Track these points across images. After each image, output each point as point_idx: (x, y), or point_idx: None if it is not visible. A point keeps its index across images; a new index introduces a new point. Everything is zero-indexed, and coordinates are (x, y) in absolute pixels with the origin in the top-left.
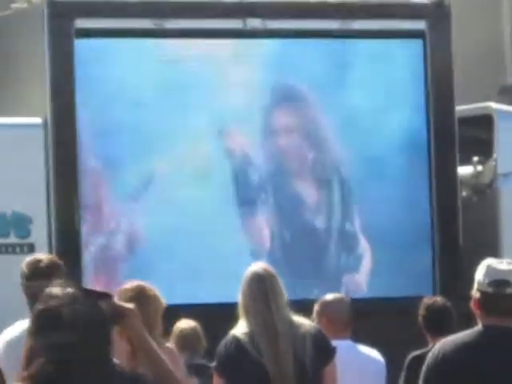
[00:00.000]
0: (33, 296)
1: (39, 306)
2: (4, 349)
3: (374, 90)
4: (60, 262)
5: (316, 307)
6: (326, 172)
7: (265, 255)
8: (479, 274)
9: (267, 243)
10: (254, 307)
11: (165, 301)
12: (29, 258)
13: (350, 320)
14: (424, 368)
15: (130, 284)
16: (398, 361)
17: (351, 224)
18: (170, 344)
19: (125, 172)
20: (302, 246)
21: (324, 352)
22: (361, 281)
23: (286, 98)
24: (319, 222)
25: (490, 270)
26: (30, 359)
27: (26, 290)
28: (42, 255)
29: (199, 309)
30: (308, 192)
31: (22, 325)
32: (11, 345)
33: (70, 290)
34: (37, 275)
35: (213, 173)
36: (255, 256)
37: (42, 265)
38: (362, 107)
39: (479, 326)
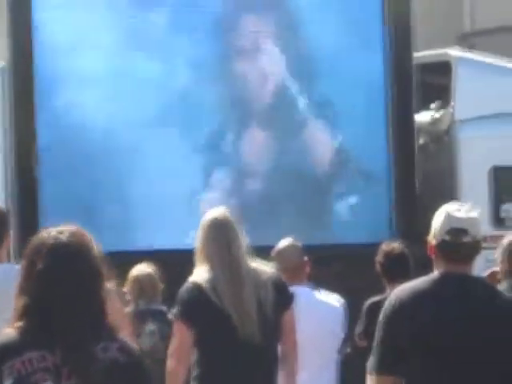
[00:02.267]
0: None
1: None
2: None
3: (332, 30)
4: (4, 210)
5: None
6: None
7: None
8: (438, 221)
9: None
10: (215, 253)
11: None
12: None
13: (304, 266)
14: (381, 315)
15: (69, 227)
16: (357, 307)
17: (310, 169)
18: (125, 289)
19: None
20: (261, 191)
21: (283, 298)
22: (319, 227)
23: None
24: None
25: (448, 217)
26: (26, 311)
27: None
28: None
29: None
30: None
31: None
32: None
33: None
34: None
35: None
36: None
37: None
38: (321, 47)
39: (436, 273)
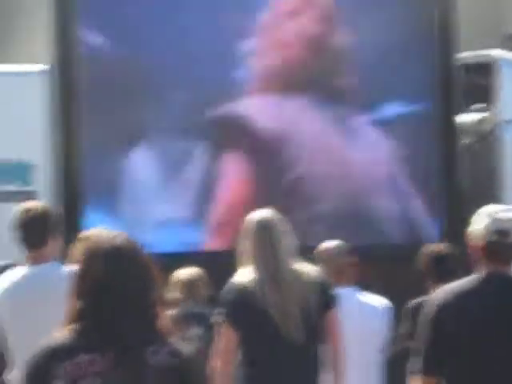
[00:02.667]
0: (26, 243)
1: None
2: (2, 295)
3: (373, 33)
4: (52, 209)
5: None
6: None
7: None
8: (481, 223)
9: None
10: (260, 254)
11: None
12: (21, 206)
13: (351, 267)
14: (425, 316)
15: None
16: (401, 308)
17: (350, 172)
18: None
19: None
20: (302, 191)
21: (327, 299)
22: (363, 227)
23: None
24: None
25: (492, 218)
26: (80, 314)
27: (19, 239)
28: (34, 203)
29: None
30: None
31: (19, 271)
32: (8, 291)
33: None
34: (30, 222)
35: None
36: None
37: (34, 212)
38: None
39: (480, 273)
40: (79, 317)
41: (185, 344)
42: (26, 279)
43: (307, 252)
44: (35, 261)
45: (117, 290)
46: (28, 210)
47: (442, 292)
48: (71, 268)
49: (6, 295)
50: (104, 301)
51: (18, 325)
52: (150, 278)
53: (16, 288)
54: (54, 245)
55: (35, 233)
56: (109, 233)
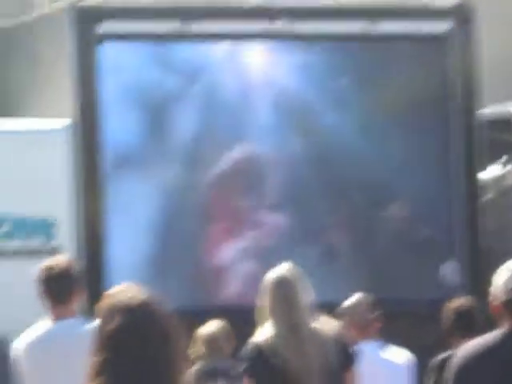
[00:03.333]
0: (51, 299)
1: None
2: (25, 350)
3: (396, 90)
4: (76, 265)
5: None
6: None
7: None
8: (502, 278)
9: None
10: (278, 312)
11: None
12: (46, 262)
13: (374, 321)
14: (448, 373)
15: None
16: (426, 364)
17: (375, 225)
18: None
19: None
20: (326, 247)
21: (346, 358)
22: (386, 282)
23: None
24: (342, 222)
25: None
26: (99, 371)
27: (43, 295)
28: (58, 259)
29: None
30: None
31: (43, 326)
32: (32, 346)
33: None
34: (55, 279)
35: None
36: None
37: (59, 268)
38: (383, 107)
39: (502, 330)
40: (98, 373)
41: None
42: (49, 334)
43: (327, 307)
44: (59, 316)
45: (132, 348)
46: (52, 266)
47: (466, 349)
48: (95, 324)
49: (29, 350)
50: (119, 358)
51: (39, 380)
52: (168, 337)
53: (39, 343)
54: (77, 300)
55: (60, 289)
56: (130, 290)
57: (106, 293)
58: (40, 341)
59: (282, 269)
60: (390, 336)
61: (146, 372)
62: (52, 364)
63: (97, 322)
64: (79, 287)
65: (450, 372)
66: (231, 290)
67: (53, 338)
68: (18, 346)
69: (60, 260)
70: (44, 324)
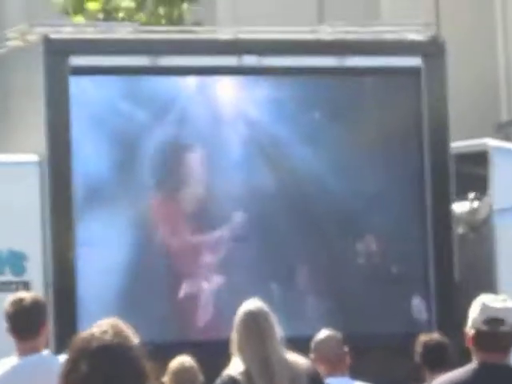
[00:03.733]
0: (16, 334)
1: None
2: None
3: (367, 124)
4: (42, 300)
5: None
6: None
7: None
8: (474, 312)
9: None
10: (249, 345)
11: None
12: (11, 297)
13: (343, 357)
14: None
15: (107, 323)
16: None
17: (346, 260)
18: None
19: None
20: (296, 281)
21: None
22: (356, 317)
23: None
24: (313, 257)
25: (484, 307)
26: None
27: (9, 330)
28: (25, 293)
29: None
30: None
31: (8, 362)
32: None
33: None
34: (20, 314)
35: None
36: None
37: (24, 303)
38: (355, 141)
39: (473, 364)
40: None
41: None
42: (15, 370)
43: (296, 342)
44: (25, 351)
45: None
46: (18, 301)
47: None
48: (61, 359)
49: None
50: None
51: None
52: (141, 376)
53: (6, 379)
54: (44, 335)
55: (25, 324)
56: (102, 328)
57: (78, 334)
58: (5, 377)
59: (254, 303)
60: (361, 370)
61: None
62: None
63: (63, 359)
64: (45, 322)
65: None
66: (202, 324)
67: (18, 375)
68: None
69: (25, 295)
70: (9, 360)
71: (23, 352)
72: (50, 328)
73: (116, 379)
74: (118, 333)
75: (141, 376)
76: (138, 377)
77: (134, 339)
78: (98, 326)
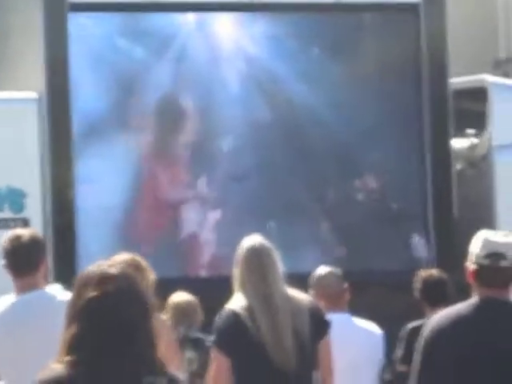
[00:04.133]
0: (15, 271)
1: (94, 293)
2: None
3: (366, 60)
4: (41, 236)
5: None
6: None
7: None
8: (475, 247)
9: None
10: (251, 281)
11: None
12: (9, 234)
13: (342, 293)
14: (420, 341)
15: (124, 256)
16: (394, 334)
17: (345, 197)
18: (165, 316)
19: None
20: (295, 217)
21: (320, 325)
22: (356, 254)
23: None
24: (312, 194)
25: (486, 242)
26: (74, 345)
27: (7, 267)
28: (23, 230)
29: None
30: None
31: (7, 300)
32: None
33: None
34: (18, 250)
35: None
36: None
37: (22, 240)
38: (353, 77)
39: (475, 299)
40: (73, 347)
41: (180, 373)
42: (15, 308)
43: (297, 278)
44: (24, 288)
45: (109, 320)
46: (16, 238)
47: (437, 318)
48: (62, 295)
49: None
50: (96, 332)
51: (8, 354)
52: (145, 307)
53: (5, 317)
54: (43, 272)
55: (24, 260)
56: (110, 262)
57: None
58: (5, 315)
59: (256, 238)
60: (360, 307)
61: (122, 344)
62: (17, 338)
63: (65, 293)
64: (44, 259)
65: (422, 341)
66: (202, 260)
67: (18, 312)
68: None
69: (24, 232)
70: (9, 297)
71: (21, 289)
72: (48, 265)
73: (120, 306)
74: (123, 266)
75: (145, 308)
76: (142, 307)
77: (148, 274)
78: (110, 260)
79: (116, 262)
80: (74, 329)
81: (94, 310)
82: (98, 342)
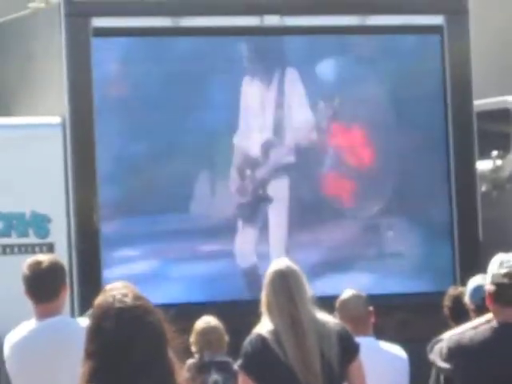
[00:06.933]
0: (35, 298)
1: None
2: (10, 351)
3: (391, 84)
4: (61, 262)
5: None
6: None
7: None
8: (493, 268)
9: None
10: (278, 304)
11: None
12: (29, 260)
13: (368, 316)
14: (439, 361)
15: (124, 286)
16: (420, 357)
17: (373, 221)
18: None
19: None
20: (320, 239)
21: (349, 349)
22: (383, 276)
23: None
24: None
25: (504, 262)
26: (92, 377)
27: (27, 293)
28: (43, 256)
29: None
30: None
31: (27, 326)
32: (18, 346)
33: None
34: (38, 277)
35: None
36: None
37: (43, 266)
38: (381, 102)
39: (494, 322)
40: (93, 379)
41: None
42: (35, 334)
43: (324, 302)
44: (44, 315)
45: (128, 351)
46: (36, 264)
47: (456, 341)
48: (82, 322)
49: (15, 350)
50: (116, 362)
51: (28, 380)
52: (162, 337)
53: (25, 343)
54: (63, 298)
55: (44, 287)
56: (122, 291)
57: (102, 291)
58: (25, 341)
59: (283, 261)
60: (386, 330)
61: (142, 375)
62: (38, 364)
63: (84, 321)
64: (64, 285)
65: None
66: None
67: (38, 338)
68: (6, 346)
69: (43, 258)
70: (29, 323)
71: (42, 315)
72: (67, 291)
73: (139, 338)
74: (137, 296)
75: (161, 337)
76: (159, 337)
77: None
78: (115, 288)
79: (127, 290)
80: (92, 360)
81: (110, 342)
82: (117, 373)
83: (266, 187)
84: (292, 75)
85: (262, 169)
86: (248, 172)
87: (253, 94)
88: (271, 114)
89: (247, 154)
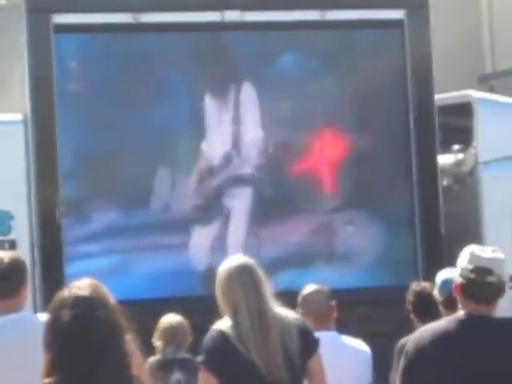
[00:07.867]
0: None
1: (64, 319)
2: None
3: (352, 79)
4: (22, 259)
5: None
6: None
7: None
8: (462, 261)
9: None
10: (242, 297)
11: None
12: None
13: (331, 311)
14: (403, 357)
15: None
16: (384, 351)
17: (334, 215)
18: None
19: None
20: (282, 234)
21: (309, 344)
22: (344, 271)
23: None
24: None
25: (473, 256)
26: (52, 367)
27: None
28: (4, 253)
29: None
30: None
31: None
32: None
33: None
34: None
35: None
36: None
37: (4, 263)
38: (341, 97)
39: (459, 314)
40: (53, 370)
41: None
42: None
43: (283, 297)
44: (6, 311)
45: (84, 343)
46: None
47: (421, 334)
48: (44, 318)
49: None
50: (73, 353)
51: None
52: (118, 327)
53: None
54: (24, 294)
55: (4, 283)
56: (79, 284)
57: (61, 288)
58: None
59: (240, 258)
60: (347, 324)
61: (98, 366)
62: (1, 360)
63: (45, 316)
64: (25, 281)
65: (406, 357)
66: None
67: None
68: None
69: (3, 255)
70: None
71: (3, 312)
72: (28, 287)
73: (93, 328)
74: (95, 291)
75: (115, 328)
76: (113, 329)
77: (110, 298)
78: (77, 284)
79: (85, 284)
80: (51, 353)
81: (66, 332)
82: (75, 363)
83: (227, 182)
84: (248, 81)
85: (225, 167)
86: (210, 169)
87: (214, 93)
88: (231, 109)
89: (210, 149)
